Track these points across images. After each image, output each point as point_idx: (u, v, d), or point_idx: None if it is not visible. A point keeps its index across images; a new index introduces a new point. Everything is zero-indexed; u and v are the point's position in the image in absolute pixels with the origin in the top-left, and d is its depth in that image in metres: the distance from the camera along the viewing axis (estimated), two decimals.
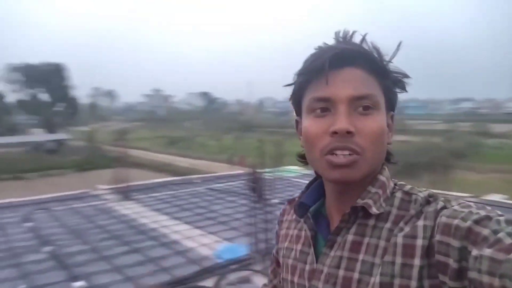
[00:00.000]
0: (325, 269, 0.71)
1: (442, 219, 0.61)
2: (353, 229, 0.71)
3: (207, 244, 5.24)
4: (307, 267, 0.76)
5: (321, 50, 0.72)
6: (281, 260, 0.86)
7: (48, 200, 7.95)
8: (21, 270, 4.49)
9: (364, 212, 0.70)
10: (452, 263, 0.57)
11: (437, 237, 0.60)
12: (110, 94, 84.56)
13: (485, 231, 0.55)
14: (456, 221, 0.58)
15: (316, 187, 0.82)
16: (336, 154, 0.67)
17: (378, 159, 0.71)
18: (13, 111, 38.97)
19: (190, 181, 9.48)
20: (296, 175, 9.95)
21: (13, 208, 7.36)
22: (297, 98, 0.76)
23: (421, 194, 0.69)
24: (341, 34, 0.74)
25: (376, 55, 0.72)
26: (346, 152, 0.67)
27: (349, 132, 0.66)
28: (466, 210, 0.60)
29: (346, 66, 0.69)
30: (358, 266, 0.67)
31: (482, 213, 0.58)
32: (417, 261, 0.61)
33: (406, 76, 0.75)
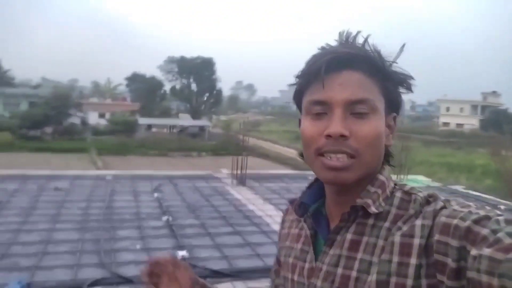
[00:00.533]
0: (324, 267, 0.72)
1: (441, 218, 0.61)
2: (352, 228, 0.71)
3: None
4: (307, 265, 0.77)
5: (320, 53, 0.73)
6: (282, 259, 0.88)
7: (177, 177, 8.99)
8: (141, 232, 5.22)
9: (364, 211, 0.70)
10: (450, 262, 0.57)
11: (436, 236, 0.60)
12: (249, 88, 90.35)
13: (484, 231, 0.55)
14: (455, 221, 0.58)
15: (317, 187, 0.83)
16: (330, 157, 0.69)
17: (374, 161, 0.72)
18: (167, 97, 44.85)
19: (304, 177, 9.54)
20: (421, 186, 9.08)
21: (149, 179, 8.54)
22: (298, 99, 0.79)
23: (421, 194, 0.69)
24: (344, 35, 0.74)
25: (376, 57, 0.71)
26: (340, 155, 0.68)
27: (342, 136, 0.67)
28: (465, 210, 0.60)
29: (344, 69, 0.70)
30: (356, 264, 0.68)
31: (481, 213, 0.58)
32: (413, 260, 0.62)
33: (410, 77, 0.74)
